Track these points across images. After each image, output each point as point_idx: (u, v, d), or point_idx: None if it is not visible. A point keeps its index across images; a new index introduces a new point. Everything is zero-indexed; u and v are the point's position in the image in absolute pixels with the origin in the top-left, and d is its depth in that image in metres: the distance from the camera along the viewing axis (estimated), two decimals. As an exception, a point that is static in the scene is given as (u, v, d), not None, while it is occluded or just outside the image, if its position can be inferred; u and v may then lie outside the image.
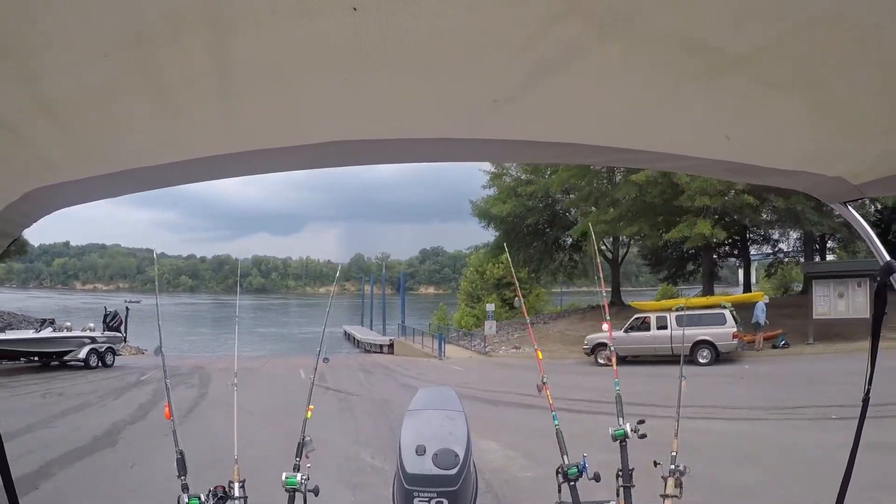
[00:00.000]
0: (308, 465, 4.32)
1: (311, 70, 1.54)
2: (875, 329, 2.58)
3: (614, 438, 4.86)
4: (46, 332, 28.30)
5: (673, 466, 4.66)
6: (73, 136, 1.74)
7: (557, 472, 4.60)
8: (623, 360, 26.04)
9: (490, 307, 42.83)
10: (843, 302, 28.47)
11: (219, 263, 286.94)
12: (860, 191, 2.37)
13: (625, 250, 48.83)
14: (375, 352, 48.20)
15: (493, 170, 48.07)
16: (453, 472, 3.54)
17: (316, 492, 4.25)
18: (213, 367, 29.16)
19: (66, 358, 28.29)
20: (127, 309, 32.92)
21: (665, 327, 26.71)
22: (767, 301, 30.06)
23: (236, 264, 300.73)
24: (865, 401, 2.63)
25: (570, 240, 46.33)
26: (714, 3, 1.29)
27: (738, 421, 14.36)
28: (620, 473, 4.76)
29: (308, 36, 1.36)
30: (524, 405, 17.32)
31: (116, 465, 12.33)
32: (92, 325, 30.49)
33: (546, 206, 46.55)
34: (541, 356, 5.56)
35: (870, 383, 2.60)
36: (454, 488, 3.52)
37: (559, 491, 4.56)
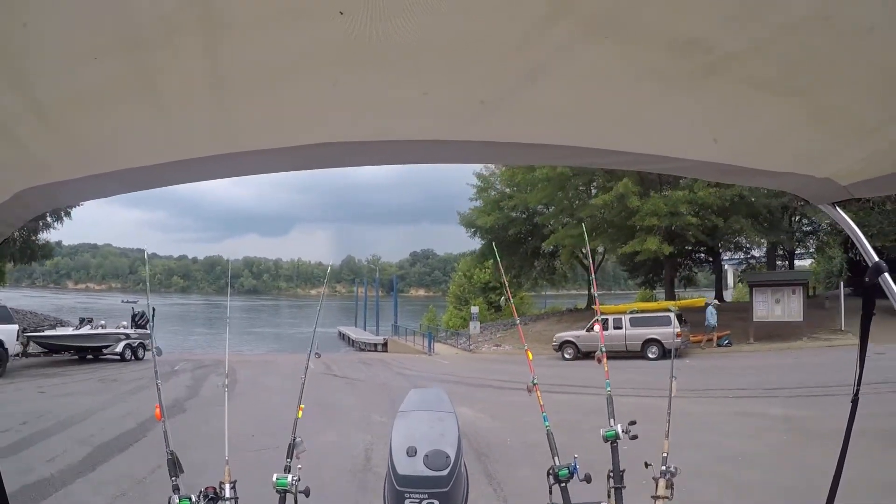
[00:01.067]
0: (299, 466, 4.35)
1: (301, 73, 1.55)
2: (863, 330, 2.54)
3: (605, 440, 4.82)
4: (85, 330, 31.69)
5: (664, 468, 4.62)
6: (65, 137, 1.75)
7: (548, 474, 4.53)
8: (586, 356, 30.05)
9: (475, 309, 46.74)
10: (780, 307, 32.46)
11: (211, 264, 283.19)
12: (848, 192, 2.38)
13: (600, 259, 51.88)
14: (370, 350, 50.22)
15: (478, 184, 51.40)
16: (444, 473, 3.59)
17: (307, 493, 4.22)
18: (231, 360, 32.14)
19: (105, 352, 31.70)
20: (153, 309, 35.91)
21: (620, 327, 30.53)
22: (717, 304, 34.16)
23: (228, 265, 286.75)
24: (854, 401, 2.60)
25: (549, 249, 49.09)
26: (702, 4, 1.29)
27: (655, 398, 17.92)
28: (611, 475, 4.69)
29: (298, 39, 1.37)
30: (494, 387, 21.79)
31: (194, 422, 15.84)
32: (125, 323, 33.68)
33: (526, 219, 49.60)
34: (531, 357, 5.55)
35: (859, 384, 2.57)
36: (445, 489, 3.56)
37: (550, 492, 4.50)
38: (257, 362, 33.24)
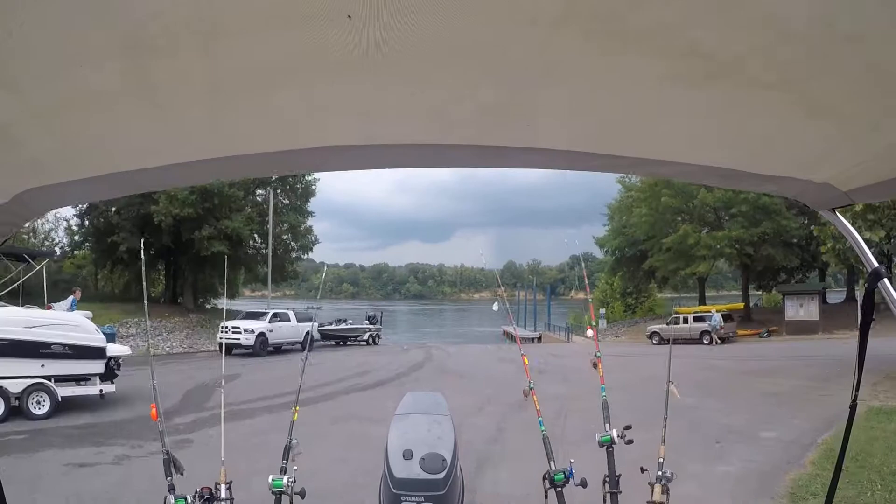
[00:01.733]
0: (295, 467, 4.38)
1: (299, 77, 1.56)
2: (862, 336, 2.55)
3: (601, 444, 4.80)
4: (345, 325, 46.03)
5: (660, 473, 4.62)
6: (64, 139, 1.76)
7: (544, 478, 4.57)
8: (668, 342, 43.81)
9: (602, 311, 60.97)
10: (804, 309, 44.53)
11: (377, 272, 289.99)
12: (849, 197, 2.37)
13: (680, 276, 60.91)
14: (528, 343, 57.94)
15: (608, 213, 64.79)
16: (440, 476, 3.82)
17: (302, 494, 4.25)
18: (429, 346, 45.26)
19: (359, 339, 46.07)
20: (381, 312, 51.38)
21: (687, 322, 43.99)
22: (721, 313, 46.18)
23: (394, 272, 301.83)
24: (853, 407, 2.68)
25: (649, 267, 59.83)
26: (703, 8, 1.28)
27: (692, 363, 27.65)
28: (607, 479, 4.67)
29: (296, 43, 1.37)
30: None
31: (427, 377, 25.20)
32: (367, 320, 47.95)
33: (643, 242, 59.63)
34: (527, 361, 5.52)
35: (857, 390, 2.60)
36: (441, 492, 3.78)
37: (546, 497, 4.53)
38: (448, 352, 42.36)
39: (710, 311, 45.54)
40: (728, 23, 1.32)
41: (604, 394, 5.17)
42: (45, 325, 15.83)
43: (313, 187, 55.96)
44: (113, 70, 1.39)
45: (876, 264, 2.44)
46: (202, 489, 4.26)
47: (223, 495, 4.31)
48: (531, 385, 5.20)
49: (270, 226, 48.52)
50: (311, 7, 1.24)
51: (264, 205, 51.01)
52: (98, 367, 16.81)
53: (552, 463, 4.65)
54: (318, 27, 1.30)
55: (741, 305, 51.70)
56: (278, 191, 52.33)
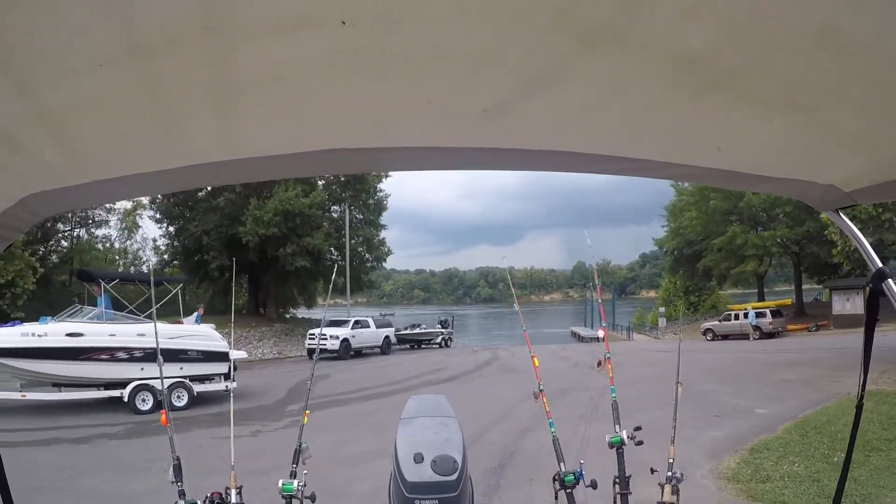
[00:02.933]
0: (305, 471, 4.33)
1: (305, 81, 1.56)
2: (867, 336, 2.54)
3: (611, 445, 4.77)
4: (419, 329, 49.94)
5: (670, 473, 4.59)
6: (70, 143, 1.75)
7: (554, 480, 4.53)
8: (724, 337, 46.85)
9: (661, 310, 64.31)
10: (850, 304, 45.92)
11: (448, 276, 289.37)
12: (852, 198, 2.39)
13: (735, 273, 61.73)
14: (593, 341, 61.91)
15: (666, 214, 67.00)
16: (453, 477, 3.82)
17: (313, 498, 4.21)
18: (496, 349, 46.69)
19: (432, 342, 49.50)
20: (453, 317, 54.74)
21: (738, 318, 47.13)
22: (753, 312, 48.49)
23: (464, 277, 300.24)
24: (859, 407, 2.68)
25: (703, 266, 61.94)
26: (704, 15, 1.28)
27: (736, 356, 33.03)
28: (617, 480, 4.65)
29: (303, 48, 1.38)
30: (643, 350, 38.42)
31: (491, 373, 29.09)
32: (439, 324, 51.69)
33: (700, 241, 61.50)
34: (537, 363, 5.32)
35: (863, 390, 2.60)
36: (454, 494, 3.77)
37: (556, 498, 4.48)
38: (513, 349, 45.11)
39: (746, 308, 48.53)
40: (731, 33, 1.34)
41: (613, 395, 5.14)
42: (183, 335, 20.28)
43: (385, 203, 60.42)
44: (119, 74, 1.40)
45: (880, 264, 2.44)
46: (212, 494, 4.27)
47: (233, 500, 4.30)
48: (540, 387, 5.14)
49: (347, 240, 52.79)
50: (315, 12, 1.27)
51: (340, 221, 55.64)
52: (223, 368, 21.00)
53: (562, 465, 4.63)
54: (324, 32, 1.32)
55: (789, 301, 54.11)
56: (352, 207, 56.63)
